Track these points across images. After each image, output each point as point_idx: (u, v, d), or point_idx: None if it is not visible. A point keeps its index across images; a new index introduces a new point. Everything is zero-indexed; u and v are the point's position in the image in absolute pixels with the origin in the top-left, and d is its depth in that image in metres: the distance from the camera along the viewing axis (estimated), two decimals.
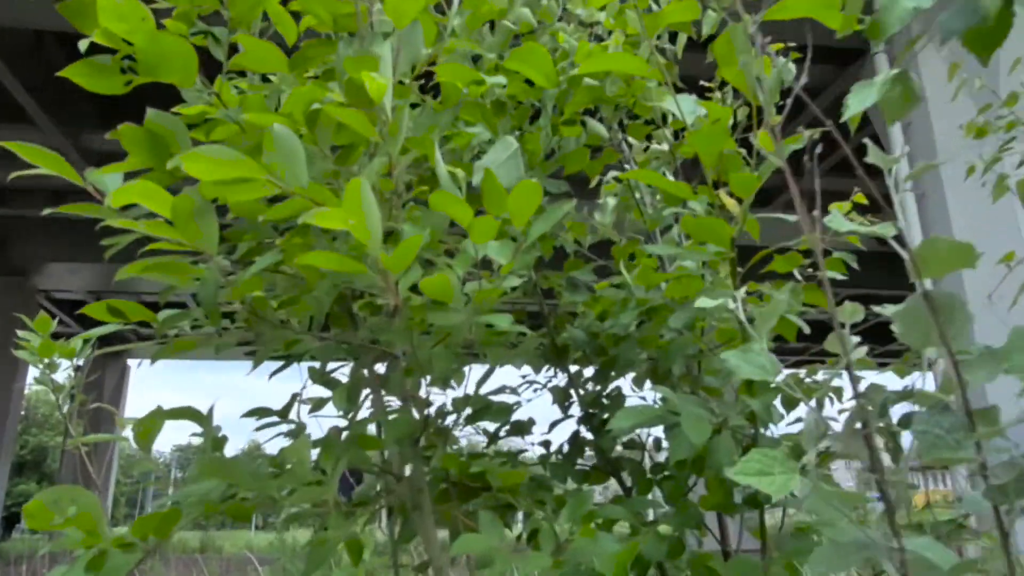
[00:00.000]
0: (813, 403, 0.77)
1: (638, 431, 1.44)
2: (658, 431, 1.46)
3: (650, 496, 1.30)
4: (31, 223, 14.68)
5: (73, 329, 20.71)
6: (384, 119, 0.89)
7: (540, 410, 1.48)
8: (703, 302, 0.85)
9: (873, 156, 0.81)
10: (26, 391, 18.56)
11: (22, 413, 20.41)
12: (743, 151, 1.27)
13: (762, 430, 1.10)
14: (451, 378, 1.11)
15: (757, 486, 0.70)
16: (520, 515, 1.20)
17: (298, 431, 1.12)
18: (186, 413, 1.14)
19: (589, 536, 0.94)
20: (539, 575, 0.97)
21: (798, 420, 1.19)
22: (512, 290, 1.04)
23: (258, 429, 1.13)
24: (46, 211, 1.07)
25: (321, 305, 0.91)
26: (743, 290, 0.88)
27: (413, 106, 1.19)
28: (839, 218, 0.78)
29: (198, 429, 1.11)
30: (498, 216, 0.89)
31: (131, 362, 19.13)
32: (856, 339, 0.81)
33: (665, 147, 1.35)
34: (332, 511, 0.87)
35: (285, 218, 0.87)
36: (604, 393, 1.34)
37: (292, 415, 1.27)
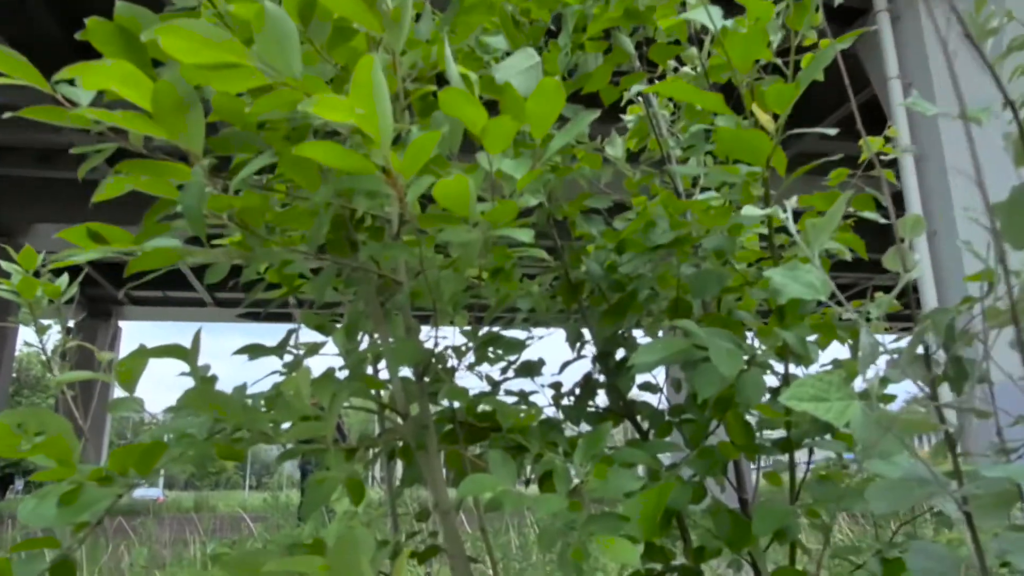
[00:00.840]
0: (865, 329, 0.68)
1: (653, 372, 1.37)
2: (673, 372, 1.38)
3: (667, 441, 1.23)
4: (17, 183, 14.42)
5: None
6: (386, 8, 0.79)
7: (550, 352, 1.40)
8: (748, 211, 0.76)
9: (913, 103, 0.74)
10: (16, 353, 18.44)
11: (13, 375, 20.32)
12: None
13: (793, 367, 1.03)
14: (460, 305, 1.03)
15: (814, 412, 0.62)
16: (530, 462, 1.13)
17: (295, 364, 1.03)
18: (171, 351, 1.05)
19: (601, 476, 0.86)
20: (554, 518, 0.89)
21: (831, 363, 1.11)
22: (528, 214, 0.95)
23: (251, 359, 1.04)
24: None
25: (319, 222, 0.82)
26: (794, 199, 0.79)
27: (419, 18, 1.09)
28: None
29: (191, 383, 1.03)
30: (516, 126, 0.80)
31: (123, 324, 19.00)
32: (915, 257, 0.72)
33: (693, 67, 1.25)
34: (331, 448, 0.79)
35: (275, 116, 0.77)
36: (621, 332, 1.25)
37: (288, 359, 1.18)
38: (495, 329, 1.13)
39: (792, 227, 0.70)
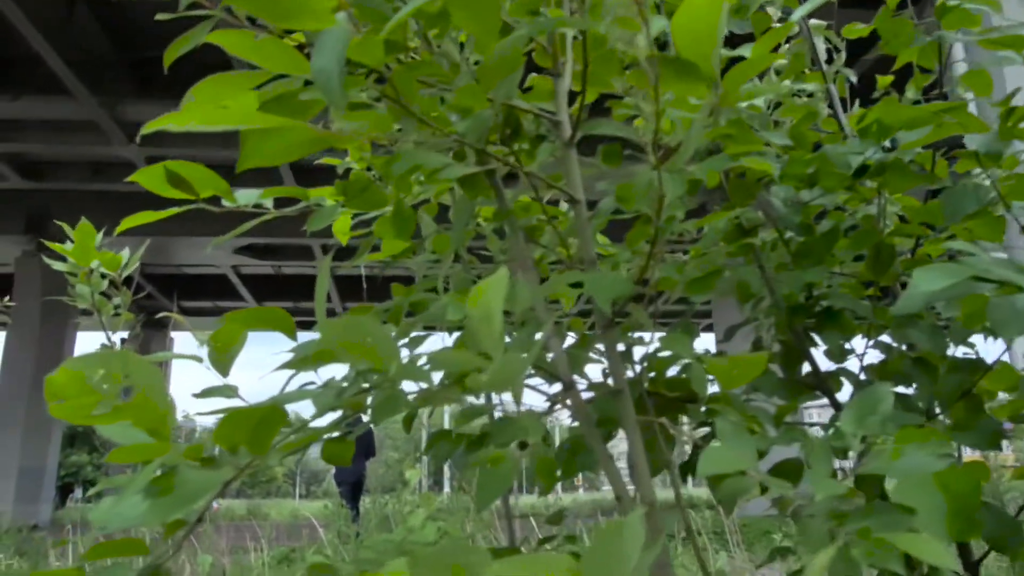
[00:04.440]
0: None
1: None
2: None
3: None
4: (70, 196, 14.70)
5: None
6: None
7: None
8: None
9: None
10: None
11: None
12: None
13: None
14: (677, 221, 0.78)
15: None
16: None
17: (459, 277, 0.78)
18: (272, 316, 0.82)
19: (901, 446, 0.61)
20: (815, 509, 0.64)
21: None
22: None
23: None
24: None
25: (491, 80, 0.57)
26: None
27: None
28: None
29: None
30: None
31: (174, 335, 19.25)
32: None
33: None
34: (517, 405, 0.55)
35: None
36: (819, 288, 0.99)
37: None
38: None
39: None
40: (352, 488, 8.97)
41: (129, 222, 0.88)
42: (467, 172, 0.65)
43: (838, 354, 0.98)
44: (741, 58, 0.90)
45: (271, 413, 0.61)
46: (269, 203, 0.91)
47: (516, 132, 0.76)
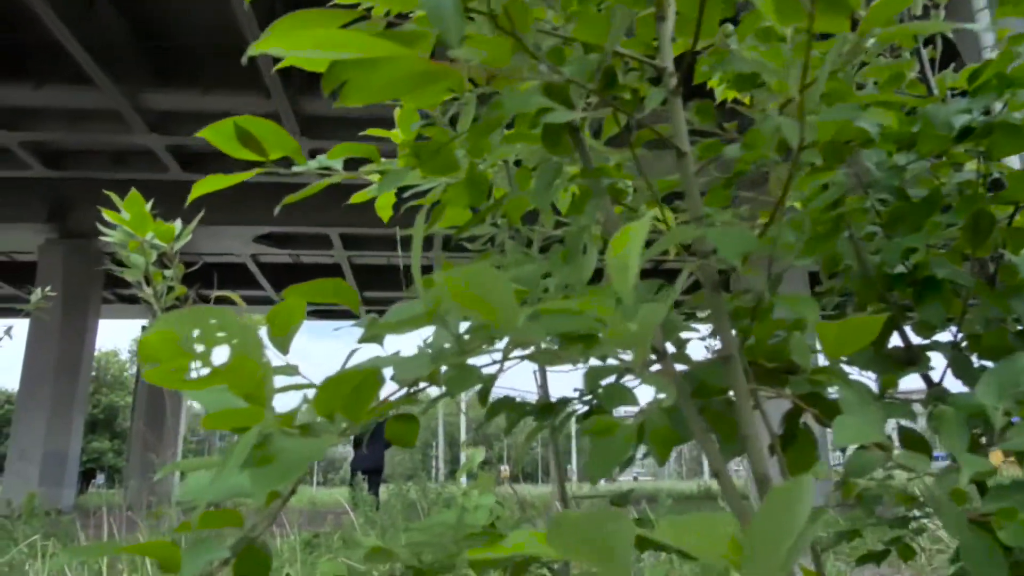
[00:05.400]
0: None
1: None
2: None
3: None
4: (92, 185, 14.78)
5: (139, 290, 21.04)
6: None
7: None
8: None
9: None
10: (96, 352, 19.01)
11: (92, 373, 21.03)
12: None
13: None
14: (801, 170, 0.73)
15: None
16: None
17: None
18: (335, 288, 0.77)
19: None
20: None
21: None
22: None
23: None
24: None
25: (615, 24, 0.52)
26: None
27: None
28: None
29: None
30: None
31: None
32: None
33: None
34: (640, 363, 0.50)
35: None
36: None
37: None
38: None
39: None
40: (371, 476, 8.96)
41: (200, 187, 0.84)
42: (576, 116, 0.59)
43: (935, 327, 0.92)
44: None
45: (368, 378, 0.57)
46: (339, 165, 0.86)
47: (612, 82, 0.71)
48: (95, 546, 0.48)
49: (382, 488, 9.77)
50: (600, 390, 0.62)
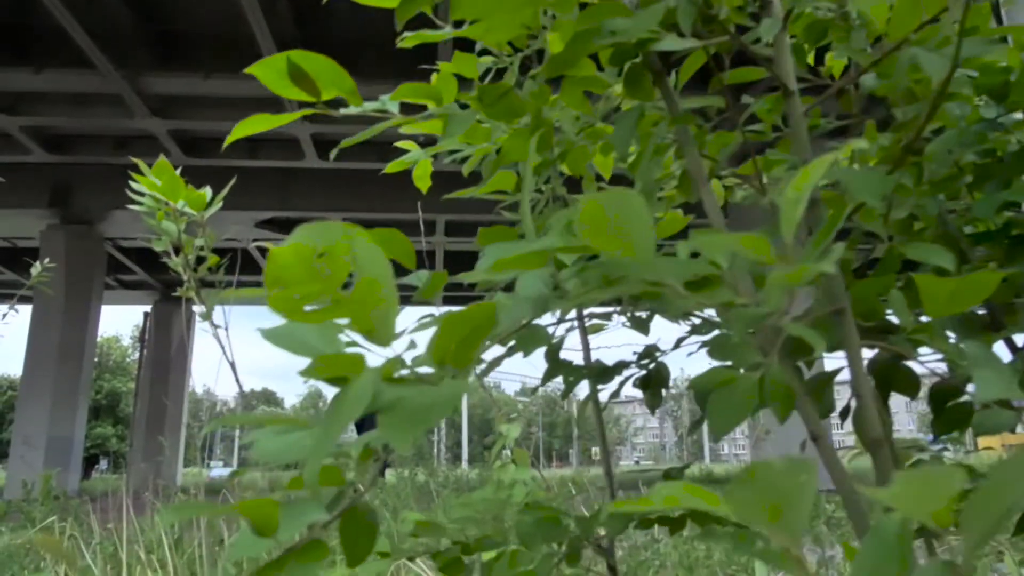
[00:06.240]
0: None
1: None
2: None
3: None
4: (95, 170, 14.70)
5: (140, 277, 20.99)
6: None
7: None
8: None
9: None
10: (98, 338, 18.98)
11: (95, 359, 21.00)
12: None
13: None
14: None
15: None
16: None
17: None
18: (390, 237, 0.73)
19: None
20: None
21: None
22: None
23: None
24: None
25: None
26: None
27: None
28: None
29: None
30: None
31: (196, 308, 19.32)
32: None
33: None
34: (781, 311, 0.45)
35: None
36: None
37: None
38: None
39: None
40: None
41: (241, 129, 0.78)
42: (687, 46, 0.55)
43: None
44: None
45: (486, 319, 0.52)
46: (395, 108, 0.82)
47: (712, 17, 0.66)
48: (188, 505, 0.43)
49: (388, 472, 9.76)
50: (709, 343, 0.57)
